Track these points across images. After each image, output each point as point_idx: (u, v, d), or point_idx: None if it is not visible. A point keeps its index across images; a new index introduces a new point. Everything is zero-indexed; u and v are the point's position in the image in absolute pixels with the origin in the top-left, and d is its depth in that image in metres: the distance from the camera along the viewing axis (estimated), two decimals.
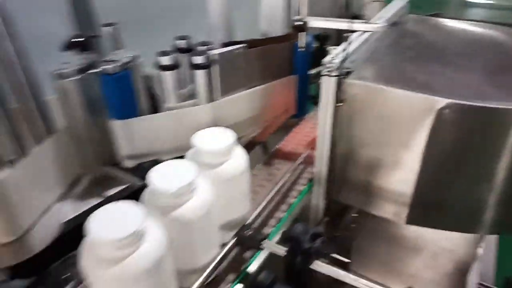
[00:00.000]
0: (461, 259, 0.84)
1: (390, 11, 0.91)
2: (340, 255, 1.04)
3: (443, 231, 0.82)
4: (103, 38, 0.86)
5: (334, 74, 0.64)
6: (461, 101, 0.59)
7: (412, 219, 0.72)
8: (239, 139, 0.73)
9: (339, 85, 0.65)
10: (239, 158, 0.63)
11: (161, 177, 0.53)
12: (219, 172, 0.59)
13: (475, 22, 0.93)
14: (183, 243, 0.54)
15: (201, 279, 0.55)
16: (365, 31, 0.77)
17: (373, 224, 0.90)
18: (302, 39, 0.84)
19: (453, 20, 0.96)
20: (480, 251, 1.07)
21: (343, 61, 0.64)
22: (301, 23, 0.79)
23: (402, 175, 0.68)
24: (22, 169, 0.67)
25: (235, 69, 0.86)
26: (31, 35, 0.77)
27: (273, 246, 0.59)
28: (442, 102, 0.60)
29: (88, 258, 0.47)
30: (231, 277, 0.62)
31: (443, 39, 0.90)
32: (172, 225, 0.51)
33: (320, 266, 0.58)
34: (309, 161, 0.87)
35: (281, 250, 0.58)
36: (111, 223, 0.46)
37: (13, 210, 0.65)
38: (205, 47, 0.85)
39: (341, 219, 0.98)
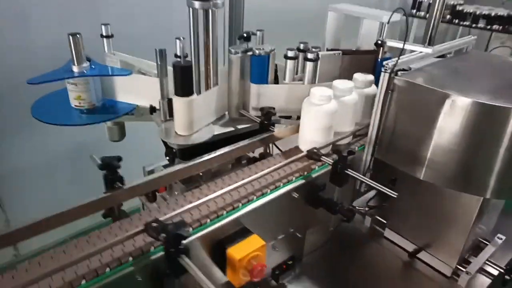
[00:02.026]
0: (464, 220, 1.14)
1: (452, 43, 1.27)
2: (381, 217, 1.42)
3: (454, 197, 1.14)
4: (256, 37, 1.42)
5: (387, 72, 1.05)
6: (463, 96, 0.95)
7: (426, 176, 1.07)
8: None
9: (390, 79, 1.06)
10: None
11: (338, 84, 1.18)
12: (363, 91, 1.24)
13: None
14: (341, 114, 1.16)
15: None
16: (420, 52, 1.15)
17: (406, 195, 1.26)
18: (380, 53, 1.26)
19: (504, 56, 1.27)
20: (498, 240, 1.33)
21: (394, 65, 1.04)
22: (380, 42, 1.21)
23: (422, 142, 1.05)
24: (201, 98, 1.22)
25: (332, 66, 1.32)
26: None
27: (327, 158, 1.02)
28: (451, 95, 0.96)
29: (307, 102, 1.12)
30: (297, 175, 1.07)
31: (483, 65, 1.23)
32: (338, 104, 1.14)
33: (351, 172, 0.98)
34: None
35: (331, 161, 1.00)
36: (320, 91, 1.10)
37: (193, 118, 1.20)
38: (315, 49, 1.32)
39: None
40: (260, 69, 1.29)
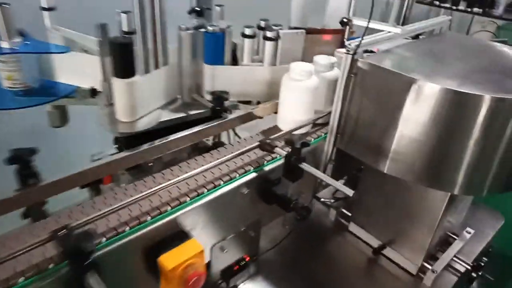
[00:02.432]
0: (431, 216, 1.06)
1: (424, 23, 1.16)
2: (346, 210, 1.33)
3: (421, 191, 1.06)
4: (214, 12, 1.28)
5: (350, 53, 0.94)
6: (430, 82, 0.85)
7: (390, 169, 0.97)
8: None
9: (353, 62, 0.95)
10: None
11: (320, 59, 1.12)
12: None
13: (498, 43, 1.14)
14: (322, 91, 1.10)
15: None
16: (389, 32, 1.04)
17: (372, 187, 1.17)
18: (346, 32, 1.14)
19: (480, 39, 1.17)
20: (466, 234, 1.27)
21: (358, 46, 0.93)
22: (346, 20, 1.09)
23: (386, 132, 0.95)
24: (145, 80, 1.09)
25: (294, 47, 1.19)
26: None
27: (280, 150, 0.91)
28: (417, 81, 0.85)
29: (287, 78, 1.05)
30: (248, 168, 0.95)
31: (458, 47, 1.13)
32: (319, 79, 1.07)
33: (306, 167, 0.88)
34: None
35: (284, 152, 0.89)
36: (300, 66, 1.04)
37: (136, 102, 1.06)
38: (277, 27, 1.19)
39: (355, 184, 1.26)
40: (214, 48, 1.15)
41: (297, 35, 1.18)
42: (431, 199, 1.04)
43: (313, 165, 1.05)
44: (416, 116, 0.90)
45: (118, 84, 1.02)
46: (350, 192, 0.80)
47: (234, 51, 1.25)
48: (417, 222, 1.10)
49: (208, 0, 1.85)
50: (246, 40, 1.18)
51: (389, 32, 1.04)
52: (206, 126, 1.05)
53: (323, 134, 1.13)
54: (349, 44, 0.94)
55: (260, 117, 1.18)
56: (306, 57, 1.22)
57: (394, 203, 1.14)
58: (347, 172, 1.33)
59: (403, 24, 1.19)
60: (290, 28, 1.25)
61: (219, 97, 1.06)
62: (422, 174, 0.95)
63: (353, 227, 1.29)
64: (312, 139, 1.11)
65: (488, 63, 1.04)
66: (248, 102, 1.26)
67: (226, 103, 1.14)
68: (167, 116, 1.15)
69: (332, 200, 1.39)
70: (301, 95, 1.07)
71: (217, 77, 1.18)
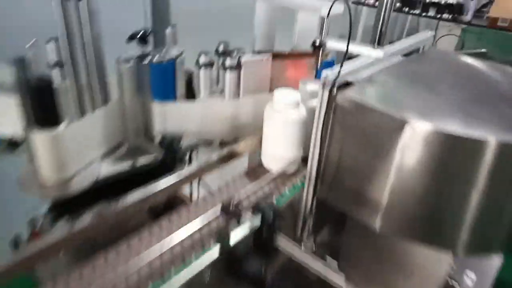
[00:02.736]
0: (434, 274, 0.89)
1: (406, 42, 1.01)
2: (332, 257, 1.14)
3: (419, 248, 0.89)
4: (165, 35, 1.07)
5: (327, 87, 0.76)
6: (427, 121, 0.68)
7: (383, 226, 0.80)
8: None
9: (331, 97, 0.77)
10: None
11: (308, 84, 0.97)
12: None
13: (485, 61, 1.00)
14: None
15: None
16: (369, 56, 0.87)
17: (361, 237, 1.00)
18: (320, 56, 0.96)
19: (468, 57, 1.03)
20: (469, 281, 1.10)
21: (336, 78, 0.76)
22: (318, 42, 0.92)
23: (378, 184, 0.77)
24: (76, 127, 0.87)
25: (259, 74, 1.01)
26: (111, 27, 1.00)
27: (251, 217, 0.72)
28: (411, 121, 0.69)
29: (270, 109, 0.91)
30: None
31: (446, 69, 0.98)
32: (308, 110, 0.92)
33: (282, 243, 0.68)
34: None
35: (252, 223, 0.70)
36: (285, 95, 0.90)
37: (65, 156, 0.85)
38: (237, 52, 1.00)
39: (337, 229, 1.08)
40: (162, 82, 0.96)
41: (262, 61, 1.00)
42: (433, 254, 0.88)
43: (290, 219, 0.87)
44: (409, 162, 0.73)
45: (39, 137, 0.80)
46: (341, 281, 0.61)
47: (189, 82, 1.06)
48: (417, 280, 0.92)
49: (164, 21, 1.64)
50: (202, 70, 0.99)
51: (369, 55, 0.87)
52: (165, 185, 0.84)
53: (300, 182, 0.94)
54: (326, 76, 0.76)
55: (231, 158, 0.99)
56: (274, 85, 1.04)
57: (386, 256, 0.96)
58: (330, 216, 1.15)
59: (379, 41, 1.02)
60: (254, 52, 1.06)
61: (170, 145, 0.86)
62: (419, 231, 0.79)
63: (339, 280, 1.10)
64: (292, 185, 0.93)
65: (482, 89, 0.89)
66: (210, 142, 1.07)
67: (185, 144, 0.95)
68: (109, 168, 0.94)
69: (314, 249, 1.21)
70: (287, 128, 0.92)
71: (169, 116, 0.98)
